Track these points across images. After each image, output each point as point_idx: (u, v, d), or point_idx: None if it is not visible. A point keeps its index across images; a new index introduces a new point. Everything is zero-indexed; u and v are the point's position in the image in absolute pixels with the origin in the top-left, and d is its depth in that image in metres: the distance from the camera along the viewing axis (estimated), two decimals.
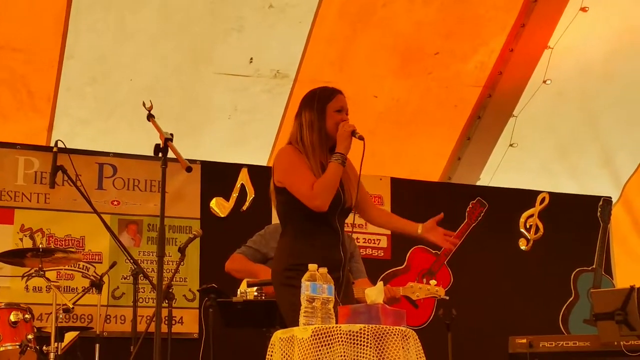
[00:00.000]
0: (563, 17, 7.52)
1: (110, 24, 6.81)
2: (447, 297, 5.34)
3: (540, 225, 8.18)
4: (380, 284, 3.71)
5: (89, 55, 6.87)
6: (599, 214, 8.33)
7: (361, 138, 4.08)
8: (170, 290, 5.22)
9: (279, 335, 3.50)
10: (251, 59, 7.22)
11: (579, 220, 8.24)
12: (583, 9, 7.42)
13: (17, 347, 5.06)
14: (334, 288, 3.54)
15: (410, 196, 7.77)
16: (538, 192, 8.26)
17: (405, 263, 7.66)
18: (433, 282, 5.36)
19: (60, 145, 5.26)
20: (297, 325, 3.72)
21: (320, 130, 4.15)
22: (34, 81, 6.88)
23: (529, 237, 8.16)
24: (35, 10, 6.58)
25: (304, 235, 4.07)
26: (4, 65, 6.77)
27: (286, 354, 3.41)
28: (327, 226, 4.08)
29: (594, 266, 8.23)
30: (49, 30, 6.68)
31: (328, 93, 4.24)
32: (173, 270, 5.35)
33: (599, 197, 8.45)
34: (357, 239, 7.35)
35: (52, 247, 6.31)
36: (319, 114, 4.17)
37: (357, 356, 3.30)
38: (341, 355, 3.28)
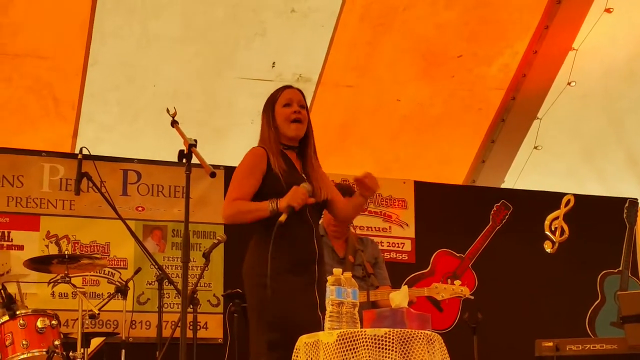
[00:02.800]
0: (587, 18, 7.49)
1: (133, 29, 6.85)
2: (472, 297, 5.31)
3: (566, 228, 8.13)
4: (404, 287, 3.71)
5: (113, 62, 6.91)
6: (625, 215, 8.25)
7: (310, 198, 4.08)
8: (195, 296, 5.22)
9: (304, 339, 3.50)
10: (274, 63, 7.23)
11: (605, 222, 8.18)
12: (607, 10, 7.39)
13: (44, 353, 5.08)
14: (358, 292, 3.54)
15: (434, 200, 7.75)
16: (563, 194, 8.21)
17: (429, 267, 7.64)
18: (457, 282, 5.34)
19: (85, 152, 5.28)
20: (264, 327, 3.89)
21: (273, 129, 4.21)
22: (58, 88, 6.93)
23: (555, 240, 8.11)
24: (60, 17, 6.64)
25: (276, 232, 4.02)
26: (29, 72, 6.83)
27: (311, 358, 3.41)
28: (299, 220, 4.06)
29: (620, 268, 8.16)
30: (73, 37, 6.74)
31: (276, 91, 4.32)
32: (197, 276, 5.35)
33: (624, 199, 8.37)
34: (381, 242, 7.33)
35: (78, 253, 6.34)
36: (270, 113, 4.24)
37: None
38: None
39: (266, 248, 3.99)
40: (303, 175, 4.17)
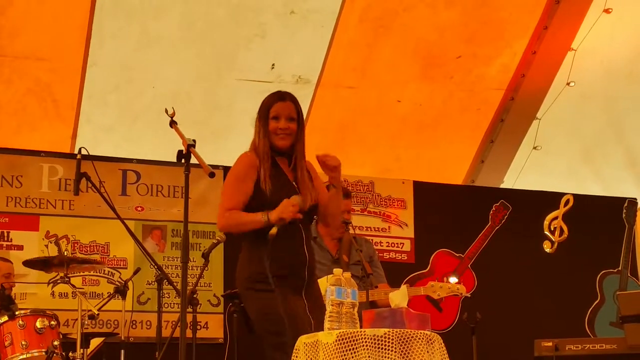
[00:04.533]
0: (586, 18, 7.49)
1: (132, 31, 6.85)
2: (469, 295, 5.30)
3: (565, 228, 8.13)
4: (404, 287, 3.71)
5: (112, 63, 6.91)
6: (624, 215, 8.23)
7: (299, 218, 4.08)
8: (195, 296, 5.22)
9: (303, 339, 3.50)
10: (273, 64, 7.23)
11: (604, 222, 8.19)
12: (606, 11, 7.39)
13: (43, 353, 5.09)
14: (357, 292, 3.54)
15: (434, 200, 7.76)
16: (562, 194, 8.21)
17: (428, 267, 7.64)
18: (453, 279, 5.33)
19: (83, 152, 5.28)
20: (268, 330, 3.91)
21: (266, 137, 4.21)
22: (58, 90, 6.93)
23: (554, 240, 8.11)
24: (59, 19, 6.64)
25: (266, 238, 4.05)
26: (29, 74, 6.83)
27: (311, 358, 3.42)
28: (290, 229, 4.09)
29: (619, 268, 8.16)
30: (72, 39, 6.74)
31: (269, 101, 4.30)
32: (197, 276, 5.36)
33: (624, 199, 8.36)
34: (380, 242, 7.34)
35: (77, 253, 6.35)
36: (264, 122, 4.24)
37: None
38: None
39: (257, 255, 4.06)
40: (294, 183, 4.19)
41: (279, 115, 4.23)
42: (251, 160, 4.19)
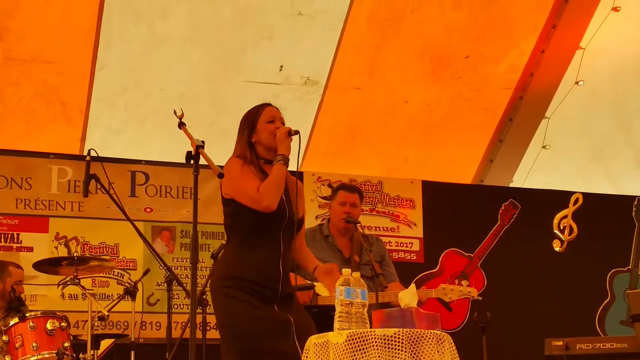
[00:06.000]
0: (595, 17, 7.48)
1: (140, 33, 6.86)
2: (480, 298, 5.29)
3: (575, 226, 8.12)
4: (413, 286, 3.70)
5: (120, 66, 6.92)
6: (633, 213, 8.25)
7: (296, 132, 4.17)
8: (204, 297, 5.23)
9: (313, 340, 3.50)
10: (281, 66, 7.23)
11: (614, 221, 8.17)
12: (615, 9, 7.38)
13: (54, 355, 5.10)
14: (367, 292, 3.54)
15: (443, 199, 7.75)
16: (572, 193, 8.20)
17: (438, 266, 7.64)
18: (465, 282, 5.32)
19: (93, 153, 5.29)
20: (230, 335, 3.96)
21: (249, 146, 4.26)
22: (66, 92, 6.94)
23: (563, 239, 8.10)
24: (67, 22, 6.65)
25: (245, 248, 4.11)
26: (37, 77, 6.85)
27: (321, 358, 3.41)
28: (269, 240, 4.11)
29: (629, 267, 8.16)
30: (80, 41, 6.75)
31: (256, 110, 4.38)
32: (206, 277, 5.37)
33: (633, 197, 8.38)
34: (389, 242, 7.33)
35: (87, 255, 6.36)
36: (250, 132, 4.29)
37: None
38: None
39: (234, 261, 4.10)
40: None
41: (274, 118, 4.29)
42: (241, 161, 4.22)
